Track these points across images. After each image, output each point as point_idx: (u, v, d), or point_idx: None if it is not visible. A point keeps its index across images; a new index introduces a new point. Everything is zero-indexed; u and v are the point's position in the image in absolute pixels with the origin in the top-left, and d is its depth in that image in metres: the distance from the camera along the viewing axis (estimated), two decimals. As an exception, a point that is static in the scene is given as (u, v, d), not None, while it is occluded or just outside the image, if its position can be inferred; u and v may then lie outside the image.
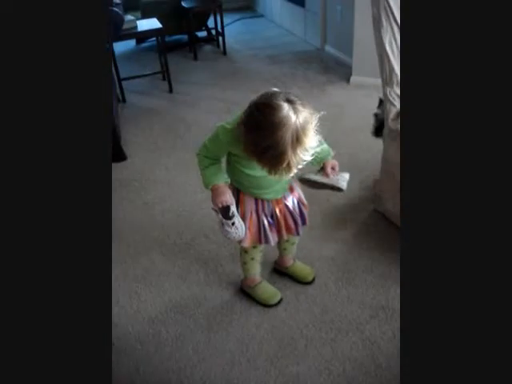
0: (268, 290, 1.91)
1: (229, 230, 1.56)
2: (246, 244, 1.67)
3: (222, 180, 1.52)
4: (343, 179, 1.64)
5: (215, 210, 1.55)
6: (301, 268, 2.00)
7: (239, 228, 1.57)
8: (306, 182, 1.65)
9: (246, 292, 1.94)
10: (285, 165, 1.23)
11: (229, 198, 1.51)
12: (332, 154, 1.62)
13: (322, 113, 1.27)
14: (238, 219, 1.56)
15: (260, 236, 1.67)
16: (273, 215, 1.67)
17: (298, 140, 1.21)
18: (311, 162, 1.40)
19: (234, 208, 1.54)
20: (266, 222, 1.65)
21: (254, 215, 1.64)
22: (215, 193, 1.51)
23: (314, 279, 1.98)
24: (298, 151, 1.22)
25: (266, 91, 1.26)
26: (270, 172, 1.29)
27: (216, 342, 1.76)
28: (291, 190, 1.69)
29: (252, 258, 1.81)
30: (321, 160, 1.59)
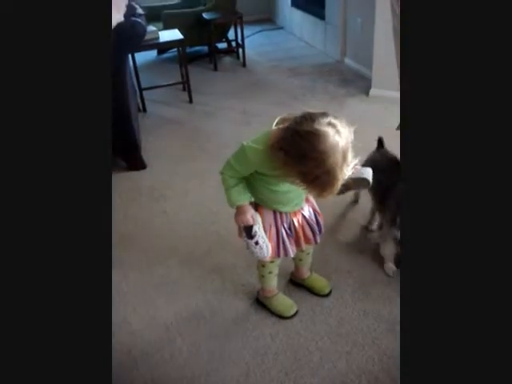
0: (284, 301, 1.91)
1: (252, 249, 1.60)
2: (267, 258, 1.67)
3: (247, 199, 1.54)
4: (367, 172, 1.64)
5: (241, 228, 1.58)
6: (317, 280, 1.99)
7: (263, 248, 1.59)
8: None
9: (261, 303, 1.93)
10: (335, 187, 1.23)
11: (251, 218, 1.54)
12: None
13: (355, 127, 1.26)
14: (262, 239, 1.58)
15: (279, 249, 1.66)
16: (290, 227, 1.66)
17: (344, 160, 1.21)
18: None
19: (256, 228, 1.56)
20: (284, 234, 1.65)
21: (273, 228, 1.63)
22: (239, 212, 1.54)
23: (330, 292, 1.97)
24: (345, 170, 1.22)
25: (304, 114, 1.24)
26: (318, 196, 1.29)
27: (231, 352, 1.76)
28: (306, 199, 1.69)
29: (270, 272, 1.81)
30: None
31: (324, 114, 1.22)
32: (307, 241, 1.73)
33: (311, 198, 1.72)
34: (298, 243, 1.71)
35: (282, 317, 1.87)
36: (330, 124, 1.20)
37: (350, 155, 1.23)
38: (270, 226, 1.62)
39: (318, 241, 1.75)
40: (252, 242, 1.57)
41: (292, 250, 1.69)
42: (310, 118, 1.22)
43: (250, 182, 1.55)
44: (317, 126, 1.19)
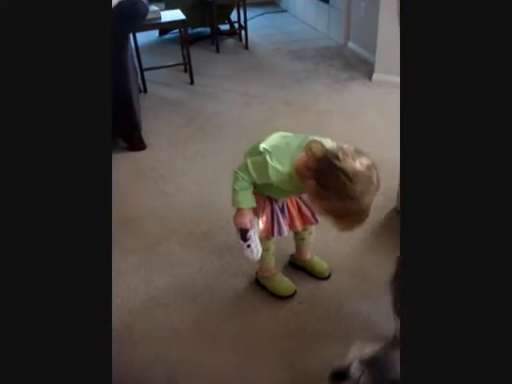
0: (283, 282, 1.91)
1: (243, 250, 1.64)
2: (261, 235, 1.68)
3: (251, 205, 1.55)
4: None
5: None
6: (318, 263, 2.00)
7: (254, 252, 1.64)
8: None
9: (260, 284, 1.94)
10: (364, 222, 1.31)
11: (249, 222, 1.56)
12: None
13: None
14: (255, 244, 1.63)
15: (273, 228, 1.68)
16: (284, 207, 1.68)
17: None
18: None
19: (252, 232, 1.59)
20: (279, 213, 1.67)
21: (268, 207, 1.65)
22: (239, 213, 1.55)
23: (330, 275, 1.98)
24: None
25: (343, 150, 1.26)
26: (345, 229, 1.35)
27: (229, 333, 1.76)
28: None
29: (267, 250, 1.81)
30: None
31: (361, 153, 1.27)
32: (306, 221, 1.74)
33: None
34: (293, 224, 1.72)
35: (280, 297, 1.88)
36: (370, 167, 1.25)
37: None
38: (265, 204, 1.64)
39: (319, 219, 1.75)
40: (245, 244, 1.61)
41: (286, 230, 1.71)
42: (351, 155, 1.25)
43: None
44: (359, 167, 1.23)
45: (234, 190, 1.53)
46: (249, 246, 1.62)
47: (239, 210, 1.55)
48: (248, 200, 1.54)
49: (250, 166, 1.48)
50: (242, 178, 1.50)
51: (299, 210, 1.71)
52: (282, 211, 1.68)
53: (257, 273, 1.95)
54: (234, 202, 1.54)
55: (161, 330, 1.79)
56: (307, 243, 1.95)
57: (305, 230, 1.84)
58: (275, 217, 1.66)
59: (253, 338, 1.73)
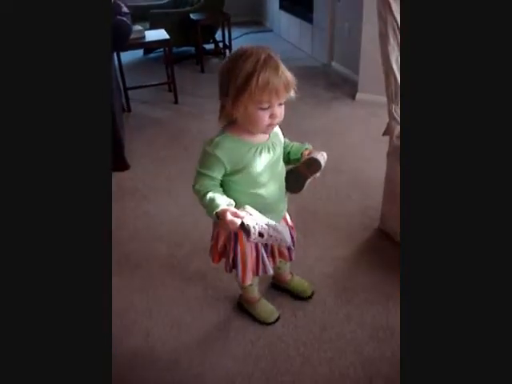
0: (266, 308, 1.88)
1: (272, 241, 1.33)
2: (248, 282, 1.64)
3: (225, 202, 1.30)
4: (320, 154, 1.47)
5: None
6: (299, 283, 1.97)
7: (269, 230, 1.28)
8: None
9: (243, 308, 1.91)
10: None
11: (233, 217, 1.25)
12: (308, 146, 1.55)
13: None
14: (264, 226, 1.27)
15: (259, 268, 1.62)
16: (267, 245, 1.62)
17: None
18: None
19: (249, 221, 1.25)
20: (263, 252, 1.60)
21: (254, 250, 1.58)
22: (220, 219, 1.28)
23: (312, 294, 1.95)
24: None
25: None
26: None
27: (212, 358, 1.72)
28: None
29: (250, 285, 1.76)
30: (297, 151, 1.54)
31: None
32: (282, 257, 1.73)
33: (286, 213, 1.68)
34: (273, 258, 1.70)
35: (264, 323, 1.85)
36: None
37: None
38: (251, 248, 1.57)
39: (293, 258, 1.75)
40: (258, 237, 1.26)
41: (271, 267, 1.66)
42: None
43: (229, 193, 1.40)
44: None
45: (201, 201, 1.35)
46: (260, 234, 1.25)
47: (219, 216, 1.27)
48: (218, 199, 1.30)
49: (198, 169, 1.39)
50: (199, 185, 1.37)
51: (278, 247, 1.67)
52: (266, 248, 1.61)
53: (240, 296, 1.92)
54: (209, 211, 1.31)
55: (140, 357, 1.74)
56: (284, 270, 1.94)
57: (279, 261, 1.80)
58: (260, 256, 1.60)
59: (236, 363, 1.69)
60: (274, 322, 1.85)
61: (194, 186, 1.40)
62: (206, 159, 1.37)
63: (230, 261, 1.59)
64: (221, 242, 1.60)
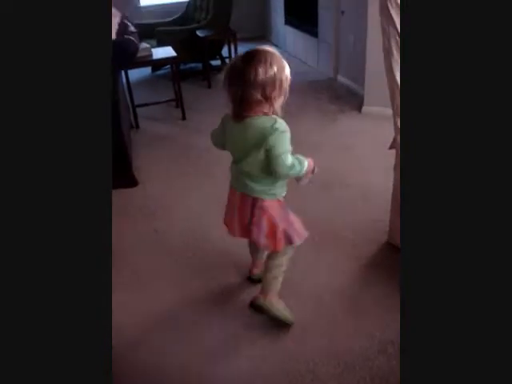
0: (286, 308, 1.89)
1: (303, 183, 1.75)
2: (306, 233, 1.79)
3: (303, 160, 1.67)
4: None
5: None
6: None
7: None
8: None
9: (263, 309, 1.84)
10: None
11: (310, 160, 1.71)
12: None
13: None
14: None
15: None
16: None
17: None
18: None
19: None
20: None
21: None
22: (310, 165, 1.70)
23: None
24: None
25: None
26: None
27: (222, 374, 1.72)
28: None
29: (284, 271, 1.84)
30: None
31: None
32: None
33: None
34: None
35: (283, 324, 1.85)
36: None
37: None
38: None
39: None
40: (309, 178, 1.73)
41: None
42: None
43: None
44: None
45: (301, 169, 1.63)
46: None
47: (309, 163, 1.69)
48: (300, 159, 1.63)
49: (281, 149, 1.54)
50: (290, 157, 1.57)
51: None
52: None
53: (257, 298, 1.86)
54: (302, 170, 1.63)
55: (148, 373, 1.74)
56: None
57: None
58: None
59: (246, 380, 1.69)
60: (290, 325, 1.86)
61: (290, 168, 1.57)
62: (287, 139, 1.55)
63: (284, 234, 1.72)
64: (267, 230, 1.71)
